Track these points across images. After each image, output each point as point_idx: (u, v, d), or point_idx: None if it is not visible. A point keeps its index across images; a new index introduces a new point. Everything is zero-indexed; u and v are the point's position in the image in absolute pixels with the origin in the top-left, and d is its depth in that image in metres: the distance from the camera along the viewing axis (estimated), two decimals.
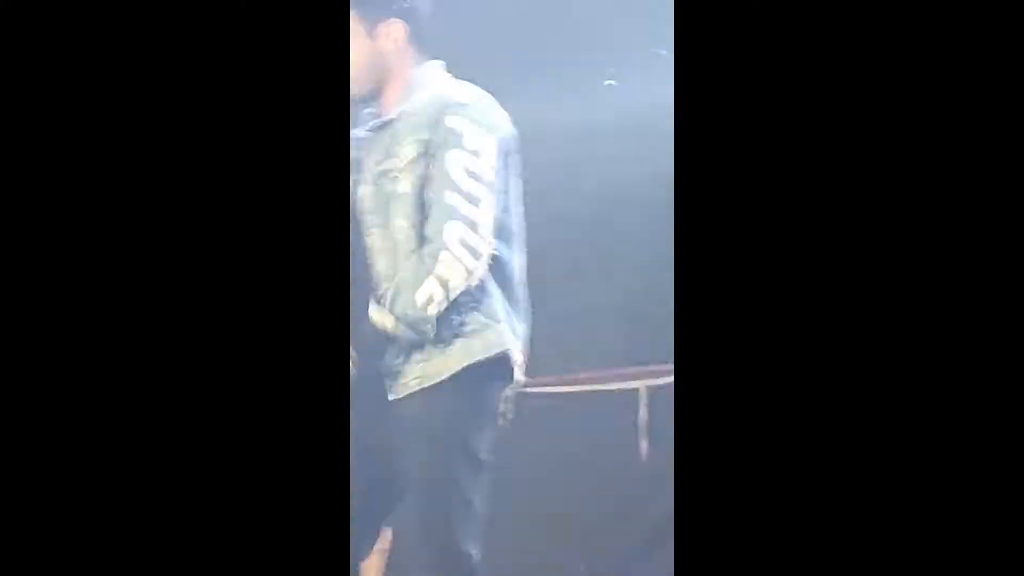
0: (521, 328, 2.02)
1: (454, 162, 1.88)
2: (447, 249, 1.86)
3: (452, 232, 1.86)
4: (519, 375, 1.98)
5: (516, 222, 2.02)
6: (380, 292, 1.92)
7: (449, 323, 1.90)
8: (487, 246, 1.90)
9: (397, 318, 1.88)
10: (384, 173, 1.95)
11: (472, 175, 1.89)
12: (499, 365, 1.96)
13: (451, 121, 1.91)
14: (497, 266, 1.94)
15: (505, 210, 1.97)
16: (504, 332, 1.95)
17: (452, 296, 1.87)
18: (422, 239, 1.89)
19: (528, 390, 2.06)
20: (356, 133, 1.99)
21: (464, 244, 1.87)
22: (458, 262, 1.87)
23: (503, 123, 1.98)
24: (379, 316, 1.90)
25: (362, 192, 1.97)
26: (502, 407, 1.98)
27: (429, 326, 1.89)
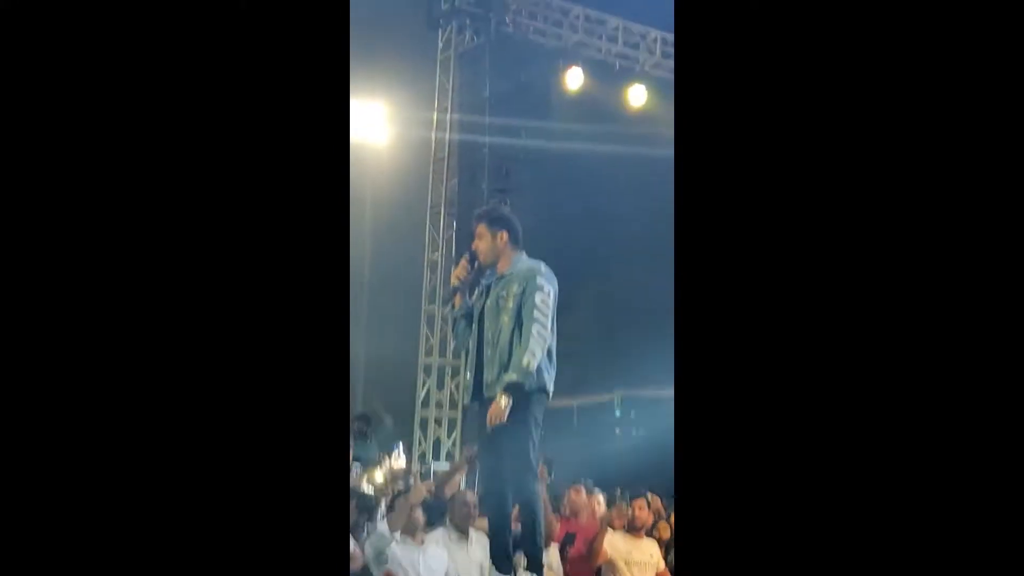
0: (552, 374, 3.98)
1: (536, 299, 3.87)
2: (534, 338, 3.81)
3: (536, 331, 3.83)
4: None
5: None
6: (488, 354, 3.86)
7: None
8: (548, 339, 3.87)
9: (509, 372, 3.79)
10: (500, 297, 3.93)
11: (544, 304, 3.87)
12: (542, 391, 3.94)
13: (536, 279, 3.88)
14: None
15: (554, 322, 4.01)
16: (546, 379, 3.95)
17: (537, 361, 3.81)
18: (519, 332, 3.85)
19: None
20: (484, 281, 3.98)
21: (539, 335, 3.82)
22: (537, 345, 3.80)
23: (553, 283, 3.97)
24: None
25: (487, 304, 3.90)
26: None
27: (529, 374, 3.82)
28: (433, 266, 9.36)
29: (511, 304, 3.89)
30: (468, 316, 4.01)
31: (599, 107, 8.35)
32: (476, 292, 3.99)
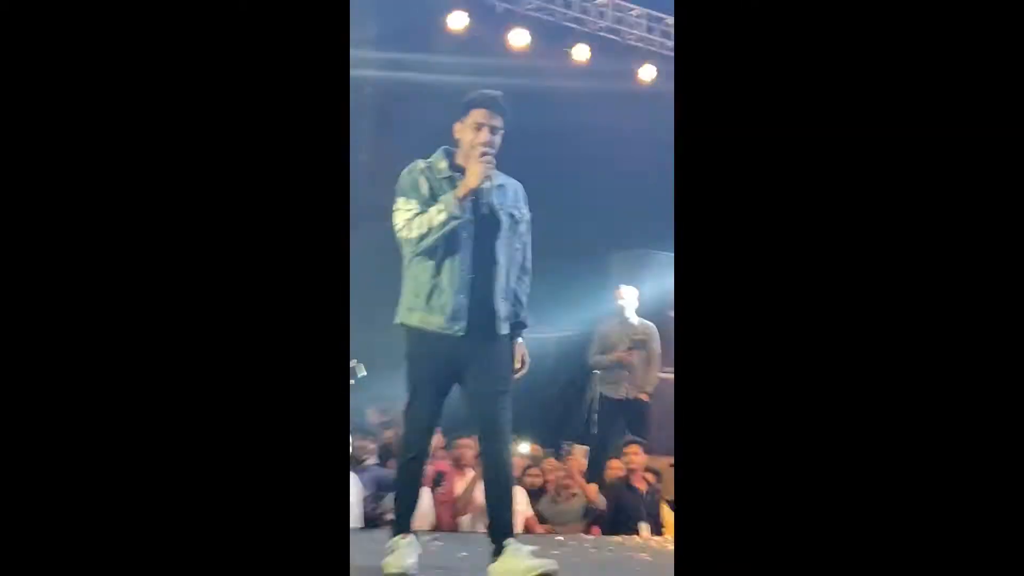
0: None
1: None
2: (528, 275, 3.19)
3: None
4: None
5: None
6: (500, 282, 3.07)
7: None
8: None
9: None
10: (512, 215, 3.14)
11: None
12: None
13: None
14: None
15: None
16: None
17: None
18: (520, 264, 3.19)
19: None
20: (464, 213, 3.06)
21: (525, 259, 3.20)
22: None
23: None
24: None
25: (500, 220, 3.08)
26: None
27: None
28: None
29: (523, 227, 3.16)
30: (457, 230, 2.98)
31: (483, 48, 8.39)
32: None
